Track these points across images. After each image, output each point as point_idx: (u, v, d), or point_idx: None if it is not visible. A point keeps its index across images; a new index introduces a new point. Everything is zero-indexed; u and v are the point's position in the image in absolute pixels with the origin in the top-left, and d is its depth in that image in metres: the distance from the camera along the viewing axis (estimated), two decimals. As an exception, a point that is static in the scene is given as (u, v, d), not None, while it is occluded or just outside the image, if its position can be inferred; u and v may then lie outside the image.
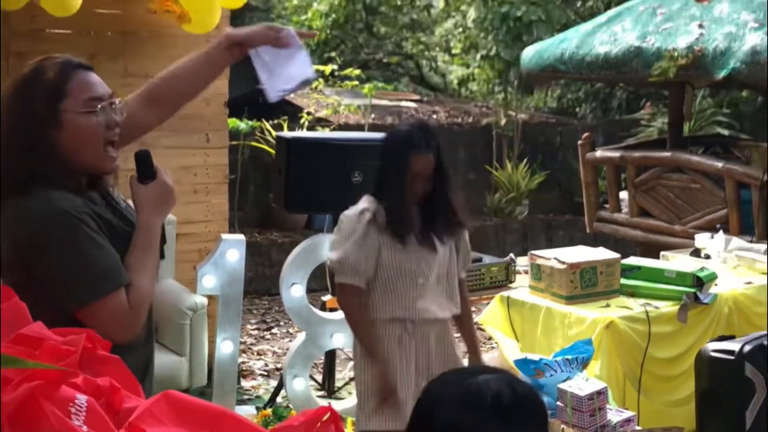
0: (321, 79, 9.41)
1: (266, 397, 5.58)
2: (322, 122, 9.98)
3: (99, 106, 2.32)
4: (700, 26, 6.49)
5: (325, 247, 5.09)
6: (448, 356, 3.86)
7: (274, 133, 8.32)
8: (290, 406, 5.14)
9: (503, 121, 11.08)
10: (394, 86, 19.17)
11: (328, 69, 9.32)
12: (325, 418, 1.53)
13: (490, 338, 5.91)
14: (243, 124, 8.78)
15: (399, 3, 17.65)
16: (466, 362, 3.98)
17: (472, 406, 1.53)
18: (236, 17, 23.59)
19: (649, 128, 11.03)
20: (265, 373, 6.36)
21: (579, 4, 14.22)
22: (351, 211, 3.75)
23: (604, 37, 6.91)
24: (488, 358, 6.56)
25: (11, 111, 2.28)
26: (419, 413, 1.61)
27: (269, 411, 5.12)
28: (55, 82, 2.29)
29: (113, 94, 2.37)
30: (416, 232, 3.73)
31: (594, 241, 8.52)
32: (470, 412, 1.53)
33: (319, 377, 5.83)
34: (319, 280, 6.35)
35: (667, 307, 4.66)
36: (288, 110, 10.85)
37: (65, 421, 1.30)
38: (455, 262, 3.89)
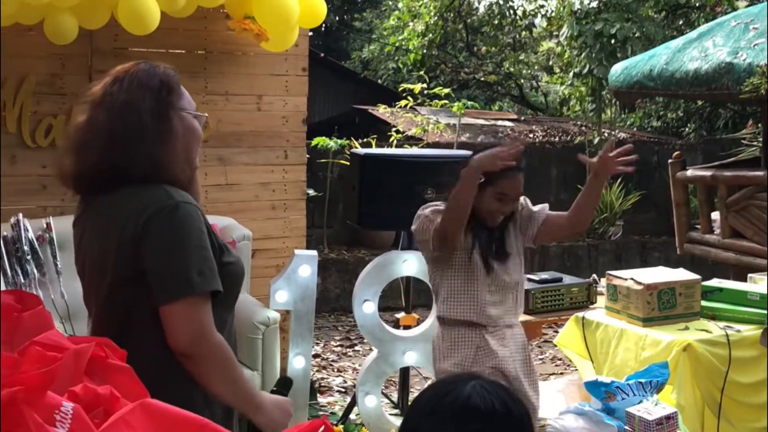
0: (410, 98, 9.37)
1: (341, 414, 5.57)
2: (412, 140, 9.95)
3: (201, 114, 2.41)
4: (795, 42, 6.25)
5: (397, 264, 5.07)
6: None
7: (361, 151, 8.36)
8: (363, 423, 5.12)
9: (596, 140, 10.88)
10: (498, 106, 19.12)
11: (417, 88, 9.28)
12: (320, 431, 1.50)
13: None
14: (332, 143, 8.88)
15: (500, 22, 17.57)
16: None
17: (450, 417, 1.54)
18: (339, 39, 23.60)
19: (750, 147, 10.64)
20: (343, 390, 6.35)
21: (681, 21, 13.87)
22: None
23: (694, 53, 6.70)
24: (567, 380, 6.45)
25: (135, 100, 2.26)
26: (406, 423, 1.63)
27: (341, 428, 5.10)
28: (174, 81, 2.35)
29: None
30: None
31: (691, 263, 8.25)
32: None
33: (396, 395, 5.79)
34: (393, 299, 6.28)
35: (750, 331, 4.49)
36: (379, 129, 10.90)
37: (44, 427, 1.29)
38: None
